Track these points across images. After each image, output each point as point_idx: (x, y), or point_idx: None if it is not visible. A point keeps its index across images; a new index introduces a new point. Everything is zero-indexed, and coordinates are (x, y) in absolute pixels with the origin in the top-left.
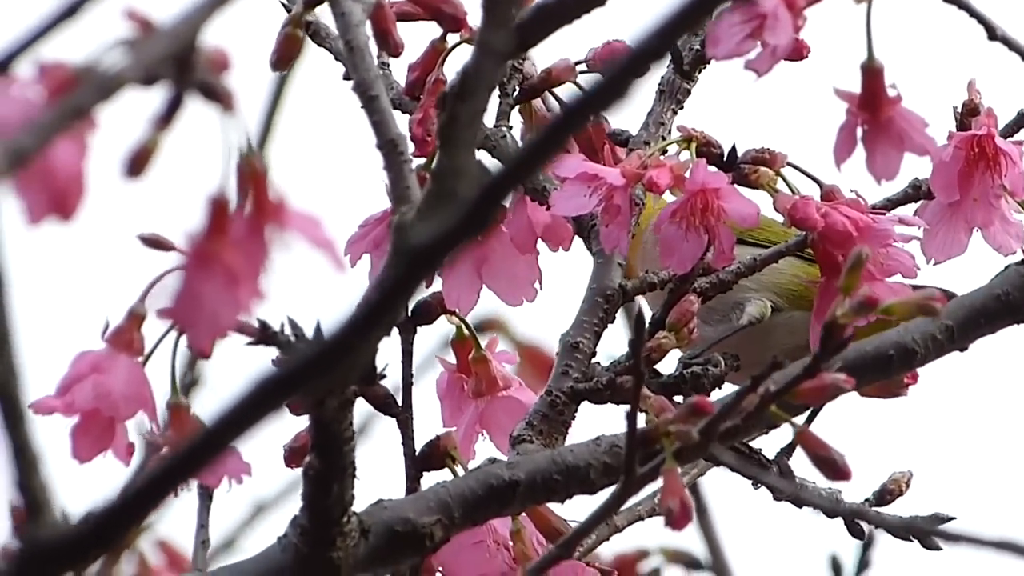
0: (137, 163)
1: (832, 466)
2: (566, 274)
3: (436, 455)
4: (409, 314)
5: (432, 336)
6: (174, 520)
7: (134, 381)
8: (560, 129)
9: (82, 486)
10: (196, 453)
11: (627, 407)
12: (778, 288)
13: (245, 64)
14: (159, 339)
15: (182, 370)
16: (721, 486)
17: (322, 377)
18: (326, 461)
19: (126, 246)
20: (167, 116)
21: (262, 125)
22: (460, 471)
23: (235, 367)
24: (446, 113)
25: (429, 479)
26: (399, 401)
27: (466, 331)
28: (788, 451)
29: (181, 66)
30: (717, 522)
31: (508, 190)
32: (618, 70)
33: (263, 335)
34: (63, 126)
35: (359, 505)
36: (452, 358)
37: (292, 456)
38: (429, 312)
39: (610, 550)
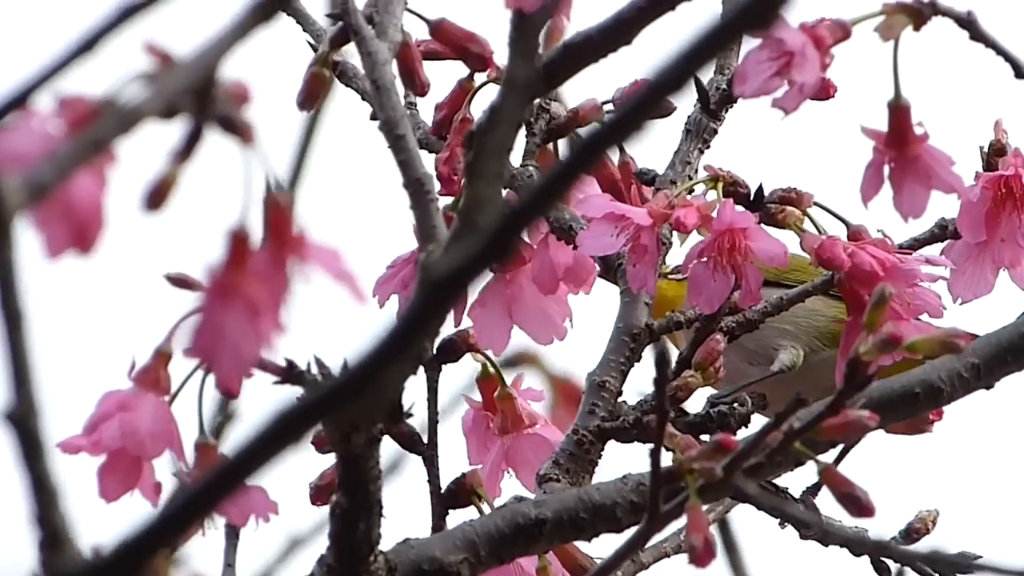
0: (157, 196)
1: (856, 503)
2: (596, 313)
3: (462, 493)
4: (435, 352)
5: (459, 374)
6: (203, 559)
7: (161, 420)
8: (578, 161)
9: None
10: (217, 485)
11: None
12: (816, 332)
13: (277, 104)
14: (186, 378)
15: (214, 410)
16: (750, 523)
17: (342, 409)
18: (353, 499)
19: (148, 281)
20: (187, 149)
21: (293, 165)
22: (486, 509)
23: (267, 406)
24: (472, 147)
25: (455, 517)
26: (425, 439)
27: (491, 369)
28: (814, 490)
29: (200, 99)
30: (746, 559)
31: (528, 221)
32: (634, 103)
33: (290, 374)
34: (83, 159)
35: (386, 544)
36: (478, 396)
37: (318, 494)
38: (454, 350)
39: None
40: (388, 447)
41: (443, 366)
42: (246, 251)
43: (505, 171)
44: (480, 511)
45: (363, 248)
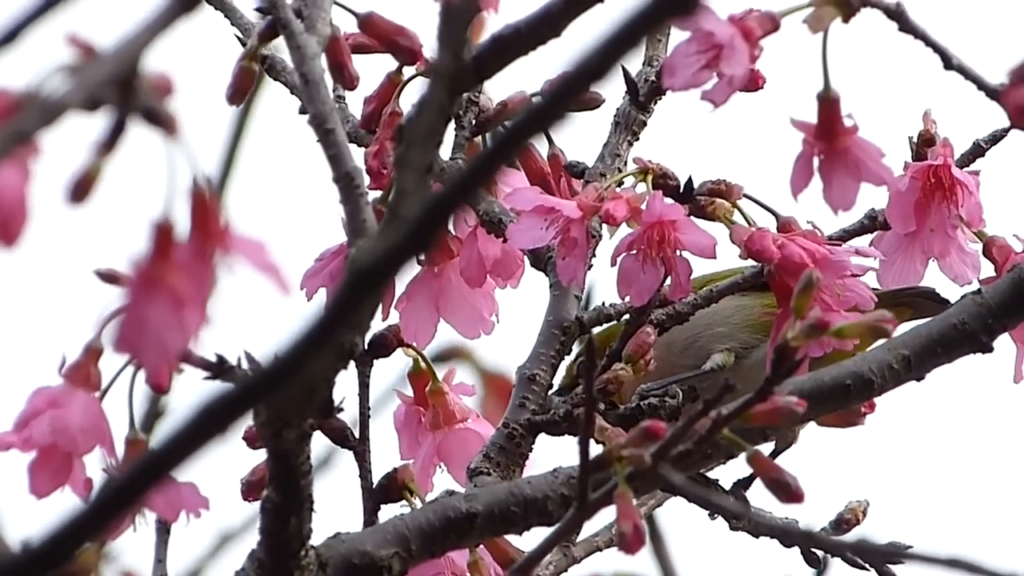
0: (80, 189)
1: (785, 489)
2: (525, 307)
3: (394, 487)
4: (365, 347)
5: (391, 370)
6: (134, 556)
7: (92, 416)
8: (500, 150)
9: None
10: (143, 477)
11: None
12: (750, 324)
13: (207, 98)
14: (116, 374)
15: (145, 407)
16: (677, 516)
17: (265, 400)
18: (284, 494)
19: (75, 275)
20: (110, 141)
21: (223, 159)
22: (418, 504)
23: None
24: (401, 140)
25: (387, 512)
26: (356, 434)
27: (423, 364)
28: (745, 484)
29: (124, 91)
30: (672, 552)
31: (451, 209)
32: (556, 93)
33: (220, 369)
34: (6, 151)
35: (317, 539)
36: (409, 391)
37: (250, 490)
38: (386, 345)
39: None
40: (319, 442)
41: (374, 361)
42: (170, 243)
43: (434, 163)
44: (412, 506)
45: (294, 242)
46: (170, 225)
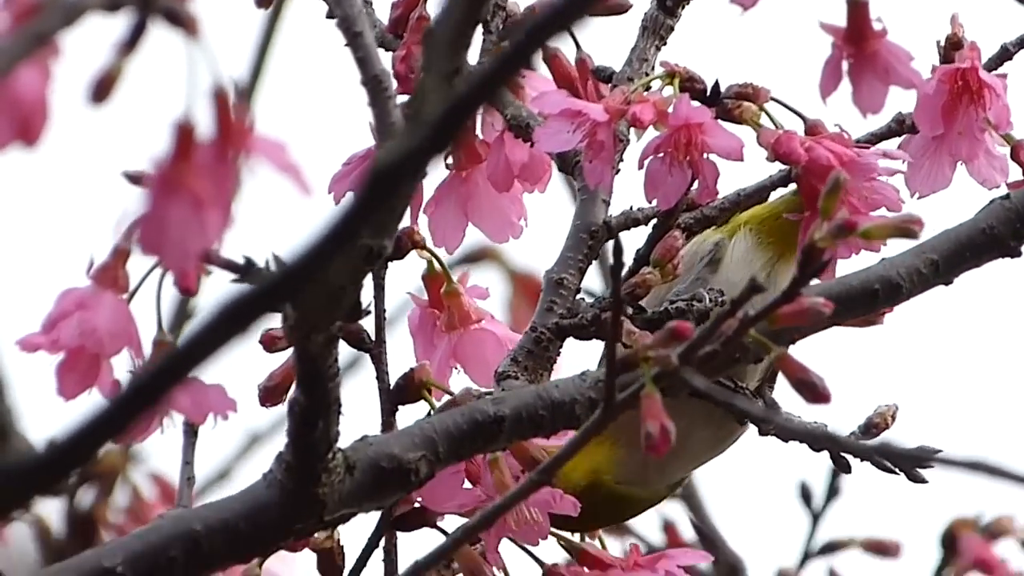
0: (101, 89)
1: (812, 389)
2: (552, 211)
3: (411, 388)
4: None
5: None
6: (162, 458)
7: (119, 318)
8: (521, 49)
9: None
10: (166, 374)
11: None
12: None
13: (236, 2)
14: (144, 276)
15: (174, 309)
16: None
17: (287, 299)
18: (311, 397)
19: (101, 176)
20: (131, 42)
21: (252, 63)
22: (436, 403)
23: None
24: (427, 44)
25: (405, 414)
26: (373, 337)
27: (438, 265)
28: (770, 381)
29: None
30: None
31: (472, 109)
32: None
33: (246, 270)
34: (27, 53)
35: (344, 442)
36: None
37: (267, 395)
38: (400, 247)
39: None
40: (345, 348)
41: (389, 264)
42: (191, 145)
43: (461, 68)
44: (432, 405)
45: (323, 146)
46: (191, 126)
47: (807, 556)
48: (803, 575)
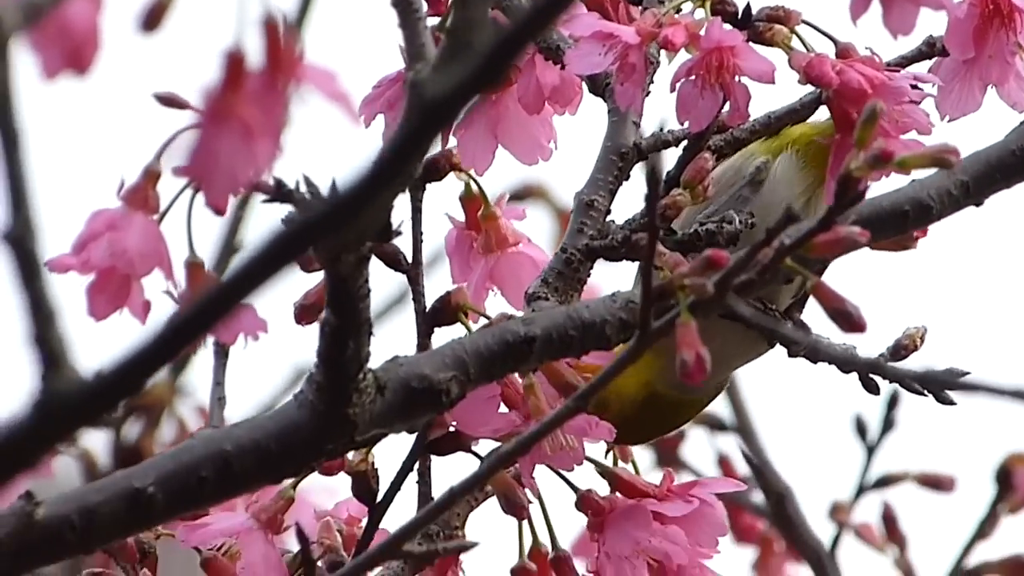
0: (152, 18)
1: (847, 318)
2: (583, 133)
3: (447, 310)
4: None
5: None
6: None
7: (150, 238)
8: None
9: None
10: (210, 307)
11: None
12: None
13: None
14: (175, 197)
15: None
16: None
17: (335, 232)
18: (342, 317)
19: (141, 103)
20: None
21: None
22: (473, 327)
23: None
24: None
25: (441, 336)
26: (409, 258)
27: (475, 187)
28: (800, 305)
29: None
30: (742, 384)
31: (523, 43)
32: None
33: (279, 193)
34: None
35: (375, 362)
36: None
37: (303, 313)
38: (438, 169)
39: None
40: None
41: (426, 185)
42: (242, 74)
43: None
44: (468, 328)
45: (352, 68)
46: (241, 55)
47: (861, 489)
48: (857, 508)
